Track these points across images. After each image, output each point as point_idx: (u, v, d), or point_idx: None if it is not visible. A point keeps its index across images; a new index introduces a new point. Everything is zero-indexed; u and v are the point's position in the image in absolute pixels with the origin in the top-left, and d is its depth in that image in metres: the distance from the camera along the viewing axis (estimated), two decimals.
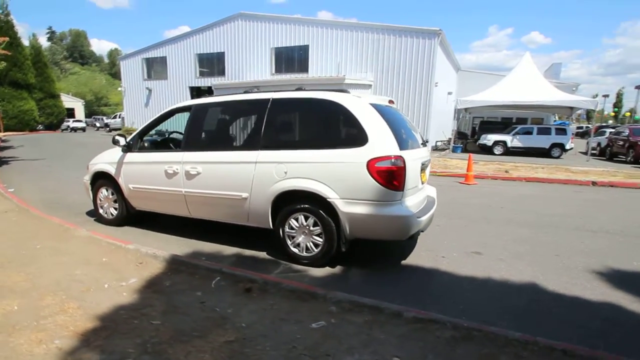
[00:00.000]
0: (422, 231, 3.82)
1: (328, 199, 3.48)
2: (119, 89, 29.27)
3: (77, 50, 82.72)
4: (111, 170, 4.88)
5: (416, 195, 3.79)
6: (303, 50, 20.58)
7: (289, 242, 3.80)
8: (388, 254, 4.20)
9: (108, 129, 35.32)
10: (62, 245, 4.08)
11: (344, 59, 19.32)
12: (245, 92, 4.40)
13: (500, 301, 3.15)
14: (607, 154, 17.00)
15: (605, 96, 43.40)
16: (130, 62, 26.87)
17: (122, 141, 4.66)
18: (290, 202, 3.72)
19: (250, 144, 3.92)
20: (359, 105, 3.54)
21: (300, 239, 3.74)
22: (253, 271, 3.46)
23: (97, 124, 41.82)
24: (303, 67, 20.63)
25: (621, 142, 15.79)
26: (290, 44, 20.81)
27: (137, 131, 4.82)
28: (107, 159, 5.02)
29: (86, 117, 47.27)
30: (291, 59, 21.15)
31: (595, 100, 16.05)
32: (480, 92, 18.28)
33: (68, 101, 42.67)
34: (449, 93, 22.93)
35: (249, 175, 3.84)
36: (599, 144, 18.42)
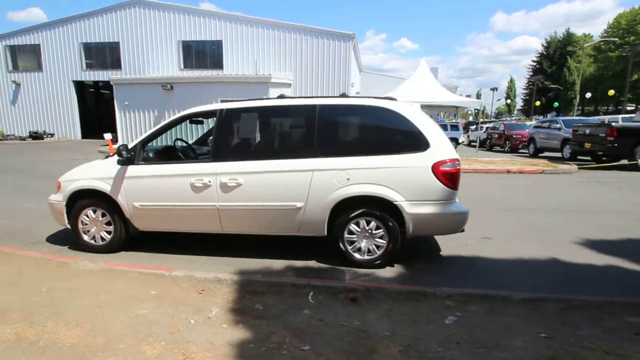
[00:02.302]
0: None
1: (395, 202, 3.65)
2: None
3: None
4: (104, 187, 4.08)
5: None
6: (216, 46, 19.56)
7: (349, 247, 3.84)
8: (424, 248, 4.56)
9: None
10: (80, 284, 3.31)
11: (262, 57, 19.03)
12: (280, 96, 4.20)
13: (539, 275, 3.81)
14: (487, 145, 20.66)
15: (494, 89, 52.65)
16: None
17: (126, 153, 3.95)
18: (348, 208, 3.76)
19: (303, 152, 3.79)
20: (414, 112, 3.79)
21: (363, 243, 3.82)
22: (334, 280, 3.43)
23: None
24: (217, 64, 19.62)
25: (497, 135, 19.41)
26: (200, 37, 19.53)
27: (139, 140, 4.14)
28: (94, 174, 4.18)
29: None
30: (202, 54, 19.88)
31: (480, 101, 19.34)
32: (388, 93, 20.16)
33: None
34: (357, 93, 24.63)
35: (305, 183, 3.73)
36: (478, 137, 22.24)
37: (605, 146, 10.66)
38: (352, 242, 3.84)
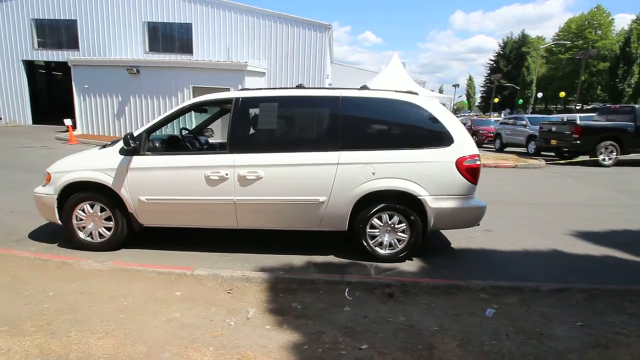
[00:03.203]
0: None
1: (419, 197, 3.65)
2: None
3: None
4: (104, 179, 3.73)
5: None
6: (185, 29, 18.57)
7: (370, 242, 3.81)
8: (434, 241, 4.62)
9: None
10: (91, 287, 3.01)
11: (234, 44, 18.35)
12: (299, 86, 4.03)
13: (548, 265, 4.00)
14: None
15: (456, 86, 55.09)
16: None
17: (133, 142, 3.62)
18: (370, 202, 3.72)
19: (326, 144, 3.68)
20: (439, 107, 3.80)
21: (385, 237, 3.80)
22: (367, 275, 3.38)
23: None
24: (186, 48, 18.66)
25: None
26: (168, 19, 18.44)
27: (143, 129, 3.82)
28: (92, 165, 3.81)
29: None
30: (170, 37, 18.82)
31: (450, 97, 19.99)
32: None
33: None
34: (330, 84, 24.54)
35: (329, 177, 3.63)
36: None
37: (570, 143, 11.42)
38: (373, 237, 3.81)
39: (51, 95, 24.03)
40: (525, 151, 14.66)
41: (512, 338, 2.50)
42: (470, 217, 3.85)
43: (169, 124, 4.12)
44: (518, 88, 45.57)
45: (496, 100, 42.52)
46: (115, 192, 3.75)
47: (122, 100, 15.78)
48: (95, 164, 3.80)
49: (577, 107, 28.14)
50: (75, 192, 3.83)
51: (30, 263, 3.40)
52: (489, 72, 63.78)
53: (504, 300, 3.01)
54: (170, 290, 3.01)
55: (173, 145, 4.22)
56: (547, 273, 3.77)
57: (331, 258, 3.95)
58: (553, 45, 47.97)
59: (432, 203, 3.67)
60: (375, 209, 3.71)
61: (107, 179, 3.73)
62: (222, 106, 4.62)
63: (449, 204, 3.71)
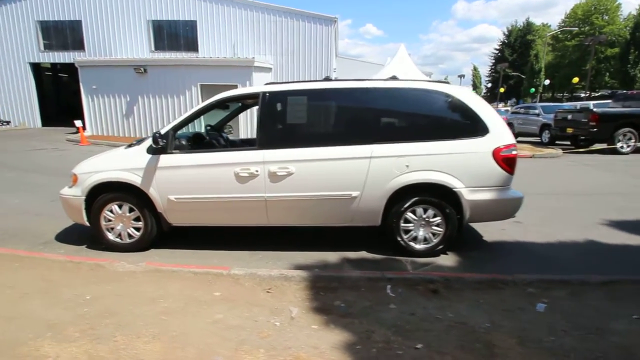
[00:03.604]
0: None
1: (454, 189, 3.55)
2: None
3: None
4: (133, 179, 3.66)
5: None
6: (190, 27, 18.43)
7: (405, 237, 3.72)
8: (465, 234, 4.52)
9: None
10: (127, 289, 2.95)
11: (239, 40, 18.20)
12: (326, 78, 3.93)
13: (587, 256, 3.89)
14: None
15: (461, 76, 54.77)
16: None
17: (161, 141, 3.54)
18: (403, 196, 3.62)
19: (359, 138, 3.57)
20: (471, 96, 3.68)
21: (420, 231, 3.71)
22: (407, 271, 3.30)
23: None
24: (191, 46, 18.54)
25: None
26: (172, 17, 18.30)
27: (170, 126, 3.73)
28: (120, 165, 3.74)
29: None
30: (175, 36, 18.70)
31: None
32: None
33: None
34: (336, 78, 24.31)
35: (362, 171, 3.54)
36: None
37: (587, 130, 11.22)
38: (407, 231, 3.72)
39: (58, 97, 24.05)
40: (539, 140, 14.44)
41: (570, 334, 2.40)
42: (507, 209, 3.74)
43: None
44: (524, 77, 44.96)
45: (502, 89, 42.00)
46: (144, 192, 3.69)
47: (130, 100, 15.73)
48: (123, 163, 3.73)
49: (586, 95, 27.64)
50: (103, 193, 3.78)
51: (63, 266, 3.35)
52: (493, 61, 63.04)
53: (553, 294, 2.91)
54: (208, 290, 2.95)
55: (199, 143, 4.15)
56: (587, 264, 3.67)
57: (364, 254, 3.87)
58: (559, 32, 47.22)
59: (468, 195, 3.57)
60: (410, 203, 3.62)
61: (136, 179, 3.66)
62: (246, 101, 4.53)
63: (485, 195, 3.60)
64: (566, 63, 49.59)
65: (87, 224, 3.87)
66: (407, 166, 3.52)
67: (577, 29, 43.76)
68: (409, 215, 3.67)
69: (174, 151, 3.68)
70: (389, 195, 3.58)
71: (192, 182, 3.65)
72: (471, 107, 3.59)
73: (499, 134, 3.58)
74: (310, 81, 3.86)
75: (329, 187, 3.58)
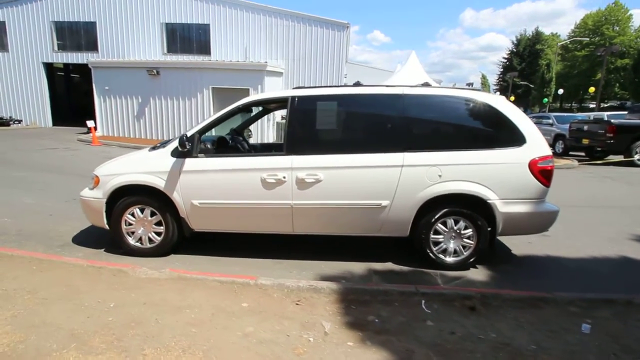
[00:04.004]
0: None
1: (488, 201, 3.42)
2: None
3: None
4: (156, 182, 3.58)
5: None
6: (203, 30, 18.48)
7: (434, 248, 3.59)
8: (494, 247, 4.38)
9: None
10: (152, 297, 2.84)
11: (252, 44, 18.22)
12: (356, 84, 3.84)
13: (623, 273, 3.74)
14: None
15: (469, 84, 54.45)
16: None
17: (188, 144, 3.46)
18: (434, 207, 3.50)
19: (390, 145, 3.47)
20: (507, 104, 3.56)
21: (451, 243, 3.58)
22: (428, 285, 3.17)
23: None
24: (204, 49, 18.57)
25: None
26: (186, 20, 18.37)
27: (196, 130, 3.65)
28: (143, 167, 3.66)
29: None
30: (188, 39, 18.75)
31: None
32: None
33: None
34: (345, 84, 24.29)
35: (393, 180, 3.43)
36: None
37: (603, 142, 11.03)
38: (436, 243, 3.59)
39: (69, 98, 24.21)
40: (553, 151, 14.23)
41: (622, 358, 2.26)
42: (541, 222, 3.60)
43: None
44: (532, 86, 44.69)
45: (512, 98, 41.75)
46: (167, 196, 3.60)
47: (142, 101, 15.77)
48: (147, 166, 3.65)
49: (597, 105, 27.37)
50: (125, 196, 3.69)
51: (83, 271, 3.25)
52: (502, 70, 62.84)
53: (597, 314, 2.76)
54: (235, 301, 2.83)
55: (223, 147, 4.06)
56: (624, 282, 3.52)
57: (390, 265, 3.75)
58: (569, 43, 47.02)
59: (502, 207, 3.44)
60: (440, 214, 3.49)
61: (160, 182, 3.58)
62: (272, 106, 4.45)
63: (520, 208, 3.47)
64: (575, 73, 49.34)
65: (107, 227, 3.78)
66: (440, 176, 3.40)
67: (588, 39, 43.54)
68: (439, 226, 3.55)
69: (199, 155, 3.60)
70: (419, 206, 3.46)
71: (216, 187, 3.56)
72: (508, 116, 3.48)
73: (536, 144, 3.45)
74: (341, 86, 3.79)
75: (358, 195, 3.47)
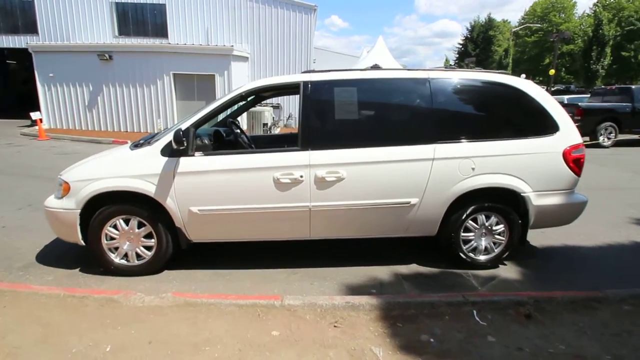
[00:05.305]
0: None
1: (523, 194, 3.18)
2: None
3: None
4: (145, 187, 2.97)
5: None
6: (158, 10, 16.98)
7: (464, 248, 3.31)
8: None
9: None
10: (158, 333, 2.30)
11: (213, 26, 17.04)
12: (374, 67, 3.40)
13: None
14: None
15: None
16: None
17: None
18: (464, 202, 3.20)
19: (419, 136, 3.09)
20: (538, 89, 3.30)
21: (482, 241, 3.31)
22: (474, 292, 2.89)
23: None
24: (160, 31, 17.09)
25: None
26: (139, 0, 16.79)
27: (190, 122, 3.07)
28: (127, 170, 3.02)
29: None
30: (142, 20, 17.17)
31: None
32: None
33: None
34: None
35: (423, 175, 3.07)
36: None
37: None
38: (466, 241, 3.32)
39: (5, 87, 21.58)
40: None
41: None
42: (571, 214, 3.42)
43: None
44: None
45: None
46: (158, 204, 3.01)
47: (93, 89, 14.27)
48: (131, 168, 3.01)
49: (549, 88, 28.84)
50: (104, 205, 3.05)
51: (61, 303, 2.61)
52: (457, 56, 64.68)
53: None
54: (262, 329, 2.37)
55: (221, 142, 3.49)
56: None
57: (416, 267, 3.43)
58: (520, 29, 49.15)
59: (536, 200, 3.21)
60: (471, 209, 3.20)
61: (149, 188, 2.97)
62: (268, 94, 3.91)
63: (553, 200, 3.26)
64: (525, 59, 51.81)
65: (82, 243, 3.13)
66: (473, 169, 3.09)
67: (539, 25, 45.68)
68: (470, 223, 3.26)
69: (196, 153, 3.02)
70: (450, 202, 3.15)
71: (220, 191, 3.01)
72: (540, 101, 3.21)
73: (569, 132, 3.23)
74: (359, 70, 3.33)
75: (385, 194, 3.08)
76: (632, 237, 4.21)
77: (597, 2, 44.80)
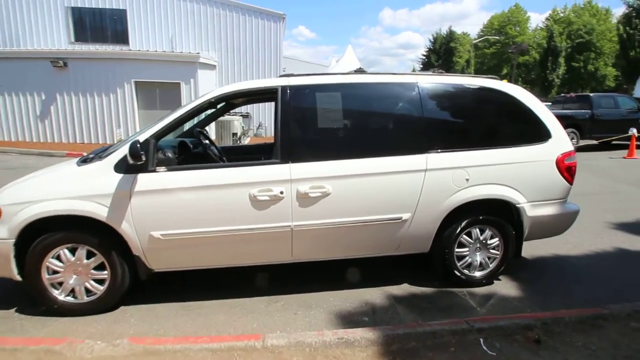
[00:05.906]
0: None
1: (518, 205, 2.99)
2: None
3: None
4: (96, 210, 2.51)
5: None
6: (118, 16, 16.12)
7: (458, 264, 3.06)
8: None
9: None
10: None
11: (178, 34, 16.39)
12: (358, 70, 3.12)
13: (635, 268, 3.60)
14: None
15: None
16: None
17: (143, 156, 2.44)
18: (460, 216, 2.97)
19: (409, 146, 2.83)
20: (528, 95, 3.15)
21: (477, 256, 3.09)
22: (478, 317, 2.64)
23: None
24: (120, 38, 16.23)
25: None
26: (97, 5, 15.85)
27: (150, 133, 2.64)
28: (72, 190, 2.55)
29: None
30: (101, 26, 16.24)
31: None
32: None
33: None
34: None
35: (415, 187, 2.81)
36: None
37: None
38: (460, 257, 3.08)
39: None
40: None
41: None
42: (563, 224, 3.28)
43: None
44: None
45: None
46: (112, 229, 2.55)
47: (46, 98, 13.23)
48: (78, 188, 2.54)
49: None
50: (45, 233, 2.55)
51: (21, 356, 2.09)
52: (422, 66, 66.77)
53: None
54: None
55: (188, 155, 3.07)
56: None
57: (408, 287, 3.14)
58: (479, 41, 51.56)
59: (530, 211, 3.03)
60: (465, 223, 2.97)
61: (99, 210, 2.51)
62: (240, 100, 3.54)
63: (546, 210, 3.10)
64: (485, 69, 54.28)
65: (18, 278, 2.60)
66: (467, 180, 2.87)
67: (498, 37, 48.02)
68: (464, 238, 3.03)
69: (157, 169, 2.60)
70: (444, 216, 2.91)
71: (187, 212, 2.60)
72: (531, 108, 3.07)
73: (561, 139, 3.11)
74: (343, 74, 3.04)
75: (375, 209, 2.79)
76: (614, 244, 4.17)
77: (549, 16, 47.87)
